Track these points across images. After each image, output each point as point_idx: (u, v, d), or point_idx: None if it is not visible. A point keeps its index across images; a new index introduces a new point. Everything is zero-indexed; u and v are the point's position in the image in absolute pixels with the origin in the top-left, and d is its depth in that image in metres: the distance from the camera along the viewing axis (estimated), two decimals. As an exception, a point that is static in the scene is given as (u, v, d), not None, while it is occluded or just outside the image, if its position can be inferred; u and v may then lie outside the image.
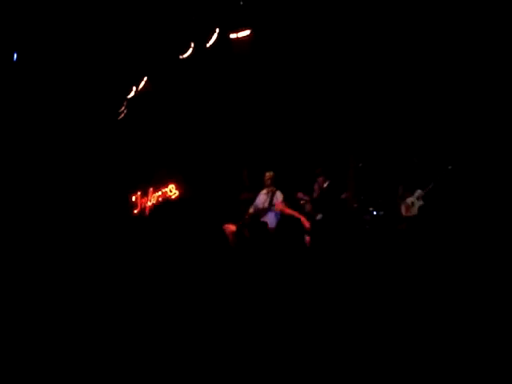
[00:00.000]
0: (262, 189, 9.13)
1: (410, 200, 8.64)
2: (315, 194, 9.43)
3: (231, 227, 5.26)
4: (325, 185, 9.39)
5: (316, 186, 9.54)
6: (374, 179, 9.61)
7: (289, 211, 7.25)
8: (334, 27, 8.50)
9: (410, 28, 8.21)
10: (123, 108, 11.28)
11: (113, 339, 3.51)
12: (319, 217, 8.75)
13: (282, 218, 8.25)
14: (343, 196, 9.08)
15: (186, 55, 9.68)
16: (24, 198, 9.55)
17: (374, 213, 9.08)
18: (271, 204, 8.76)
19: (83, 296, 4.55)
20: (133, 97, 11.05)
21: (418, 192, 8.55)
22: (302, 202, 9.29)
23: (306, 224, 4.53)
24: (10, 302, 4.39)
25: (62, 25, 9.25)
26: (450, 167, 8.28)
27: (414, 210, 8.53)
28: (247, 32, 9.06)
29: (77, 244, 7.66)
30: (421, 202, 8.46)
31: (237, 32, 9.11)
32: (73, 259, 6.36)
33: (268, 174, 9.10)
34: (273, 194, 8.90)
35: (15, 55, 9.54)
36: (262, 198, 9.01)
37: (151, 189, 11.71)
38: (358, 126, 9.76)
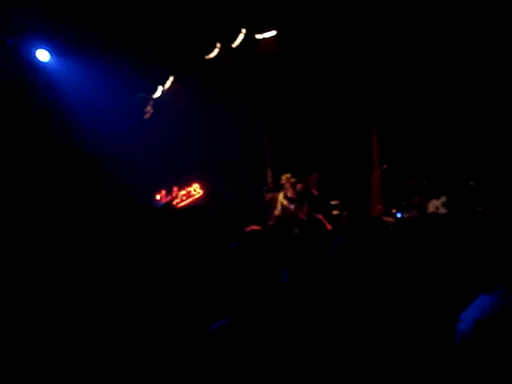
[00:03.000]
0: (282, 190, 9.22)
1: (434, 204, 8.55)
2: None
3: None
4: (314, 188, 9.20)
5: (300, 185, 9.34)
6: (399, 181, 9.54)
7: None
8: (359, 26, 8.46)
9: (438, 28, 8.14)
10: (149, 107, 11.39)
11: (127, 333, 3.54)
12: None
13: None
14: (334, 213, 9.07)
15: (212, 55, 9.73)
16: (43, 197, 9.69)
17: (398, 215, 9.01)
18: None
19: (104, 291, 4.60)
20: (159, 97, 11.15)
21: (443, 198, 8.45)
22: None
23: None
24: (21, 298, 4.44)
25: (91, 22, 9.35)
26: (471, 183, 8.21)
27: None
28: (273, 32, 9.08)
29: (99, 241, 7.75)
30: (444, 210, 8.36)
31: (263, 32, 9.13)
32: (94, 256, 6.44)
33: (285, 177, 9.19)
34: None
35: (49, 54, 9.68)
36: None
37: (175, 188, 11.81)
38: (384, 128, 9.71)
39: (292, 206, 8.88)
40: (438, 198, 8.50)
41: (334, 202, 9.44)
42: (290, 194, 9.01)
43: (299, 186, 9.09)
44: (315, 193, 9.03)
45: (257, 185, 10.85)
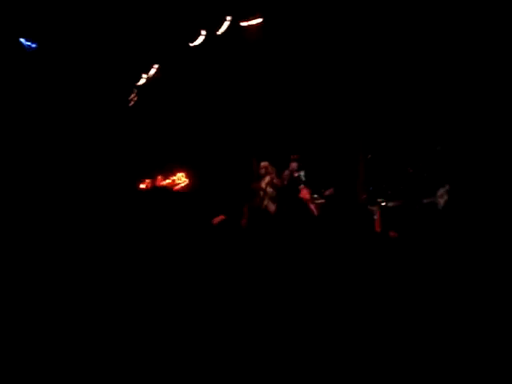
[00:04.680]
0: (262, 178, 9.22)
1: (439, 192, 8.57)
2: (285, 181, 9.28)
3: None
4: (296, 174, 9.23)
5: (287, 172, 9.37)
6: (384, 170, 9.57)
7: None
8: (347, 14, 8.45)
9: (427, 20, 8.16)
10: (133, 95, 11.28)
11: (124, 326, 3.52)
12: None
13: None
14: (327, 193, 9.02)
15: (196, 43, 9.65)
16: (30, 187, 9.58)
17: (383, 204, 9.04)
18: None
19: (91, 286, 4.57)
20: (143, 84, 11.05)
21: (446, 186, 8.46)
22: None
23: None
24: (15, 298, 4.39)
25: (74, 13, 9.24)
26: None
27: (440, 204, 8.47)
28: (258, 20, 9.02)
29: (84, 232, 7.69)
30: (446, 197, 8.38)
31: (248, 20, 9.07)
32: (80, 249, 6.39)
33: (263, 165, 9.16)
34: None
35: (31, 44, 9.56)
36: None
37: (160, 177, 11.72)
38: (368, 117, 9.72)
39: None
40: (443, 186, 8.50)
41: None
42: (275, 182, 8.99)
43: (287, 173, 9.11)
44: (295, 174, 9.06)
45: (242, 174, 10.81)
